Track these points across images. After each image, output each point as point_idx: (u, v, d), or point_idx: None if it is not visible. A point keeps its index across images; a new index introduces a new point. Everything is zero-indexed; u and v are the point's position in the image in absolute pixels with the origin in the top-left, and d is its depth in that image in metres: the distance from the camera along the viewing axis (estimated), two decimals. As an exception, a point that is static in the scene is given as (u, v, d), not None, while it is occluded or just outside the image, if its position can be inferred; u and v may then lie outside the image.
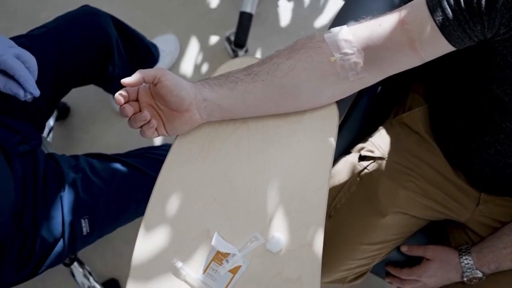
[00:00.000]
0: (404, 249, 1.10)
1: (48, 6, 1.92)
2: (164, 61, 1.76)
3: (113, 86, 1.48)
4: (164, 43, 1.78)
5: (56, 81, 1.19)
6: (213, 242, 0.81)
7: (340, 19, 1.00)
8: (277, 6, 1.94)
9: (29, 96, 0.90)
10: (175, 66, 1.84)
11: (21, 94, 0.88)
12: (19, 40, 1.10)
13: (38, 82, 1.09)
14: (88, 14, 1.25)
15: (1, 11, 1.91)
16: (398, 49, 0.78)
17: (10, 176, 1.02)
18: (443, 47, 0.77)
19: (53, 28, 1.18)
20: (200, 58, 1.86)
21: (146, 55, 1.60)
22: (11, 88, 0.88)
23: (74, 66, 1.20)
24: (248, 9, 1.76)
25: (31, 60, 0.90)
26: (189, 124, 0.83)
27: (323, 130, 0.88)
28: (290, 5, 1.95)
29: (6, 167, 1.01)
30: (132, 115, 0.80)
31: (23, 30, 1.18)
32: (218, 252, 0.82)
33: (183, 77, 1.83)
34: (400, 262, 1.13)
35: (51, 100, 1.23)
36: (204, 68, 1.85)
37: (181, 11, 1.92)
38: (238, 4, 1.81)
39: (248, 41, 1.79)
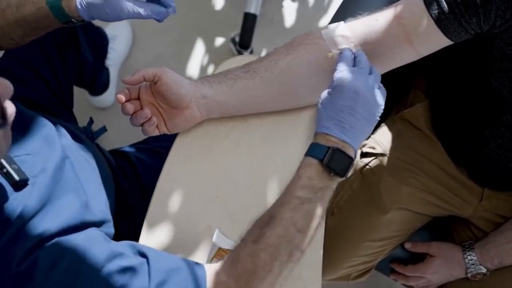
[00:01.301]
0: (408, 246, 1.10)
1: None
2: (119, 46, 1.76)
3: (87, 73, 1.49)
4: (117, 29, 1.78)
5: (55, 78, 1.19)
6: (214, 239, 0.82)
7: (339, 16, 1.00)
8: (281, 6, 1.95)
9: (171, 13, 0.81)
10: (181, 68, 1.85)
11: (163, 11, 0.80)
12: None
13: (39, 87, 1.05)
14: None
15: None
16: (395, 43, 0.79)
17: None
18: (440, 40, 0.77)
19: None
20: (206, 59, 1.87)
21: (99, 36, 1.60)
22: (153, 9, 0.78)
23: (59, 51, 1.19)
24: (252, 10, 1.77)
25: None
26: (189, 121, 0.84)
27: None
28: (295, 5, 1.95)
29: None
30: (134, 113, 0.81)
31: None
32: (219, 248, 0.83)
33: (189, 78, 1.84)
34: (404, 259, 1.13)
35: (69, 97, 1.24)
36: (210, 69, 1.86)
37: (186, 12, 1.94)
38: (242, 5, 1.82)
39: (253, 42, 1.80)
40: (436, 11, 0.74)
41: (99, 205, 0.79)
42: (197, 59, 1.87)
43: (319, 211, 0.72)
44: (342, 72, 0.75)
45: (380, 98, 0.75)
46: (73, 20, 0.79)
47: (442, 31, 0.75)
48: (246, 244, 0.72)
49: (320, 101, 0.76)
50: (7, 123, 0.52)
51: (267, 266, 0.69)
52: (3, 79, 0.52)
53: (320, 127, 0.75)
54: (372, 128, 0.76)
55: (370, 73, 0.76)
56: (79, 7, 0.76)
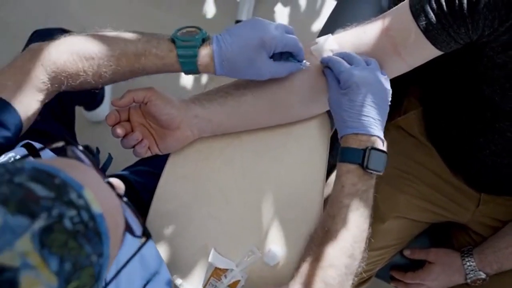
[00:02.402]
0: (407, 253, 1.10)
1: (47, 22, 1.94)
2: None
3: (88, 95, 1.49)
4: None
5: (60, 104, 1.18)
6: (210, 259, 0.82)
7: (328, 26, 1.00)
8: (273, 12, 1.94)
9: (304, 67, 0.80)
10: (175, 78, 1.84)
11: (298, 67, 0.79)
12: None
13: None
14: (44, 36, 1.23)
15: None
16: (384, 55, 0.78)
17: None
18: (429, 51, 0.77)
19: None
20: (199, 68, 1.87)
21: None
22: (291, 68, 0.79)
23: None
24: (243, 17, 1.77)
25: (290, 28, 0.79)
26: (181, 141, 0.84)
27: (316, 140, 0.88)
28: (287, 10, 1.95)
29: None
30: (124, 135, 0.81)
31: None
32: (216, 268, 0.83)
33: (183, 88, 1.84)
34: (404, 265, 1.12)
35: (72, 121, 1.23)
36: (204, 78, 1.86)
37: (178, 22, 1.92)
38: (234, 13, 1.82)
39: (246, 49, 1.80)
40: (424, 22, 0.74)
41: (150, 248, 0.77)
42: (190, 68, 1.87)
43: (367, 212, 0.74)
44: (348, 70, 0.75)
45: (387, 83, 0.77)
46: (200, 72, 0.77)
47: (431, 42, 0.75)
48: (310, 264, 0.73)
49: (331, 105, 0.77)
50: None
51: (336, 281, 0.71)
52: (116, 179, 0.52)
53: (346, 129, 0.75)
54: (387, 115, 0.77)
55: (367, 64, 0.77)
56: (219, 69, 0.75)
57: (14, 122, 0.70)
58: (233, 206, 0.85)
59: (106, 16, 1.92)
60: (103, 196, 0.44)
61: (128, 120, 0.83)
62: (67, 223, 0.38)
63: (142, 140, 0.81)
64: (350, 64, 0.77)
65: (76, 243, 0.38)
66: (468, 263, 1.00)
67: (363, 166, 0.72)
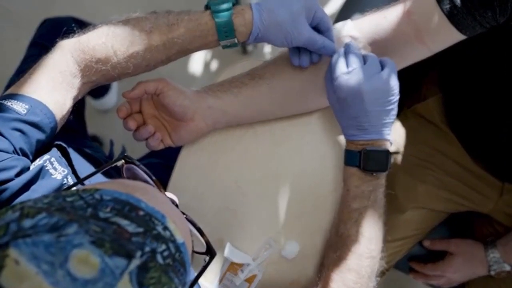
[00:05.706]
0: (426, 243, 1.06)
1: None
2: None
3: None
4: None
5: None
6: (226, 253, 0.80)
7: (345, 11, 0.96)
8: (285, -4, 1.90)
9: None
10: (184, 66, 1.82)
11: (333, 48, 0.74)
12: None
13: None
14: (55, 25, 1.20)
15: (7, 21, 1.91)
16: (405, 41, 0.75)
17: None
18: (453, 36, 0.73)
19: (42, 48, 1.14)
20: (209, 55, 1.84)
21: None
22: (325, 43, 0.73)
23: None
24: (254, 2, 1.73)
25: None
26: (195, 133, 0.81)
27: (332, 130, 0.85)
28: (298, -6, 1.90)
29: None
30: (137, 128, 0.78)
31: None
32: (232, 262, 0.80)
33: (193, 76, 1.81)
34: (423, 256, 1.09)
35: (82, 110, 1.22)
36: (214, 65, 1.83)
37: (187, 9, 1.90)
38: (244, -2, 1.78)
39: (257, 36, 1.76)
40: (448, 6, 0.70)
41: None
42: (200, 56, 1.84)
43: (379, 211, 0.74)
44: (340, 77, 0.70)
45: (386, 82, 0.69)
46: (235, 41, 0.73)
47: (455, 26, 0.71)
48: (330, 271, 0.72)
49: (332, 109, 0.75)
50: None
51: (358, 285, 0.71)
52: (171, 194, 0.52)
53: (345, 135, 0.75)
54: (395, 111, 0.72)
55: (365, 62, 0.71)
56: (258, 23, 0.71)
57: (50, 125, 0.68)
58: (249, 199, 0.83)
59: (111, 2, 1.89)
60: (179, 222, 0.43)
61: (140, 112, 0.80)
62: (159, 259, 0.38)
63: (155, 133, 0.79)
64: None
65: (168, 277, 0.38)
66: (491, 255, 0.97)
67: (361, 169, 0.72)
